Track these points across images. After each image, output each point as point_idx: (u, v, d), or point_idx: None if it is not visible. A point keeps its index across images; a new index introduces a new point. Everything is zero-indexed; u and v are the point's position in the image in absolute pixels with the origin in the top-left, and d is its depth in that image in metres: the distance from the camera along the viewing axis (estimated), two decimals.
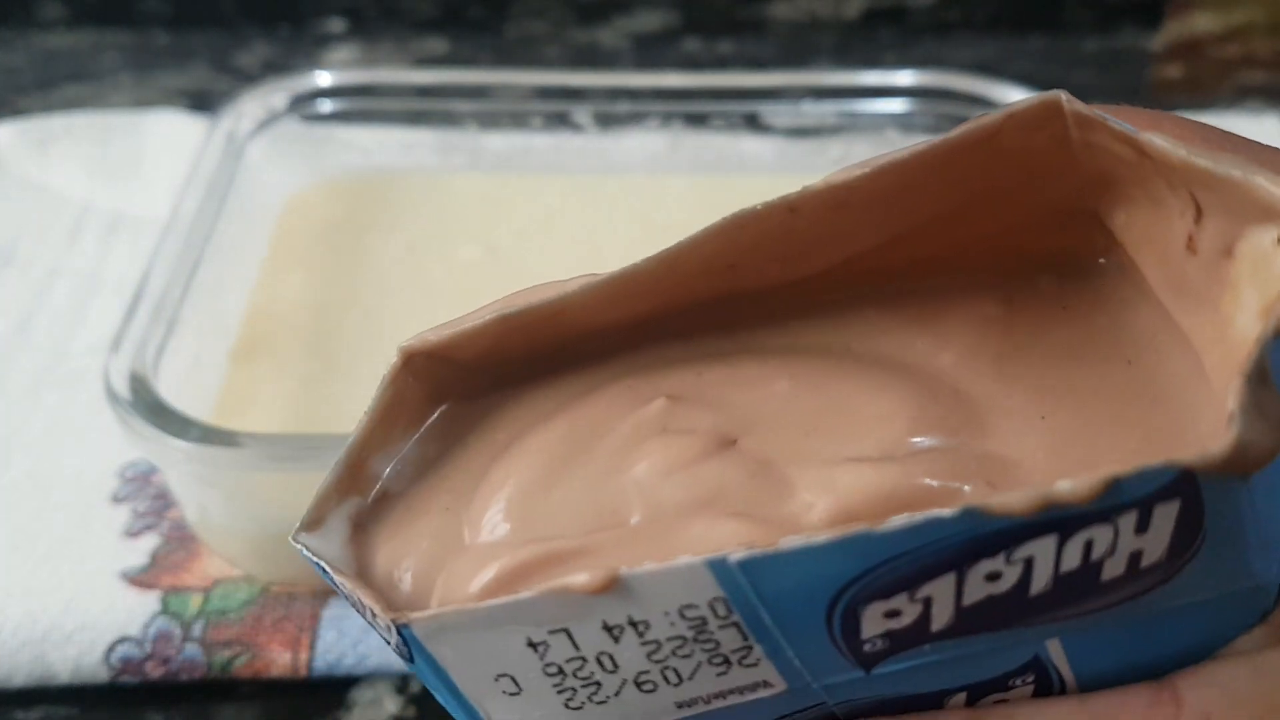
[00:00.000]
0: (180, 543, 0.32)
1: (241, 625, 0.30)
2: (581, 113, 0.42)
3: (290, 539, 0.16)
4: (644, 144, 0.42)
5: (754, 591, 0.13)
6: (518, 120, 0.42)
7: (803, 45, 0.53)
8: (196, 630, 0.30)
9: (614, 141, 0.42)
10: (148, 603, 0.30)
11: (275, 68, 0.51)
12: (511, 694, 0.15)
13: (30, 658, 0.29)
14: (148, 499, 0.33)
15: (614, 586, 0.14)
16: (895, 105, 0.42)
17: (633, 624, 0.14)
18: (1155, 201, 0.16)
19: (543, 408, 0.18)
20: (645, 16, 0.54)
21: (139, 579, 0.31)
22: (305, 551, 0.16)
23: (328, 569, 0.15)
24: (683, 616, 0.14)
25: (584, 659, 0.14)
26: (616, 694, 0.15)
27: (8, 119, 0.46)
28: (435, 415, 0.18)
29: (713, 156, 0.42)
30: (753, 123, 0.42)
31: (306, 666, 0.29)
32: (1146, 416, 0.16)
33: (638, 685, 0.15)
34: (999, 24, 0.54)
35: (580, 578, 0.14)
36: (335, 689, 0.30)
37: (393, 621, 0.14)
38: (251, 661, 0.29)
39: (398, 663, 0.30)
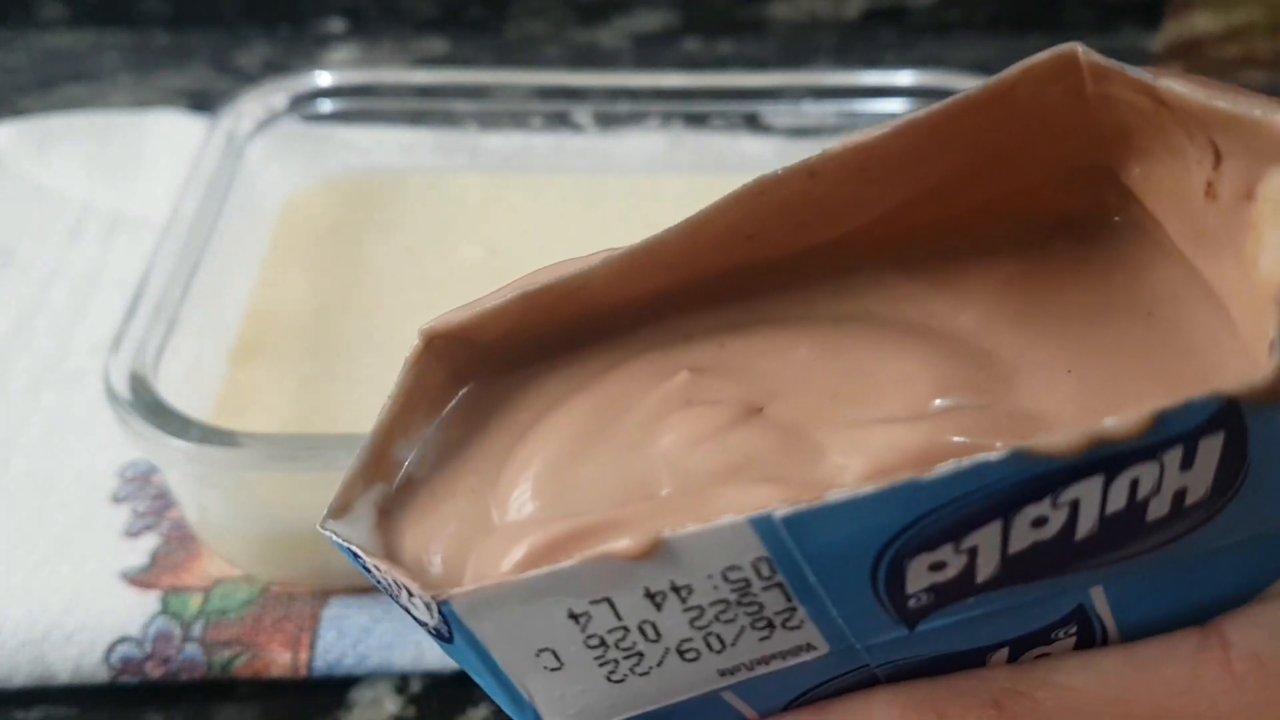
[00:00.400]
0: (180, 543, 0.32)
1: (241, 625, 0.30)
2: (581, 113, 0.42)
3: (318, 527, 0.16)
4: (644, 144, 0.42)
5: (798, 549, 0.13)
6: (518, 120, 0.42)
7: (803, 45, 0.53)
8: (196, 630, 0.30)
9: (614, 141, 0.42)
10: (148, 603, 0.30)
11: (275, 68, 0.51)
12: (553, 669, 0.15)
13: (30, 658, 0.29)
14: (148, 499, 0.33)
15: (657, 550, 0.13)
16: (895, 105, 0.42)
17: (675, 589, 0.14)
18: (1172, 151, 0.16)
19: (565, 386, 0.17)
20: (645, 16, 0.54)
21: (139, 579, 0.31)
22: (334, 538, 0.15)
23: (359, 553, 0.15)
24: (725, 579, 0.14)
25: (626, 629, 0.14)
26: (659, 664, 0.14)
27: (8, 119, 0.46)
28: (457, 398, 0.17)
29: (713, 156, 0.42)
30: (753, 123, 0.42)
31: (306, 666, 0.29)
32: (1172, 366, 0.16)
33: (680, 654, 0.14)
34: (999, 24, 0.54)
35: (622, 543, 0.13)
36: (335, 689, 0.29)
37: (433, 598, 0.14)
38: (251, 661, 0.29)
39: (398, 662, 0.30)
